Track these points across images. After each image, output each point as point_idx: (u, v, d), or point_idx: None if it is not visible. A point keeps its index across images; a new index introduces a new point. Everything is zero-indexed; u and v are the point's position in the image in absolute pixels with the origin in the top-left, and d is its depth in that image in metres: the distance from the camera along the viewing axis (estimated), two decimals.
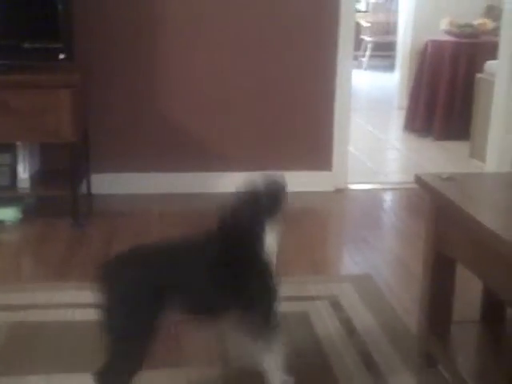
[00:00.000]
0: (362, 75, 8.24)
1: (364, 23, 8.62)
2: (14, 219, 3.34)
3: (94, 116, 3.63)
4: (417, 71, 5.63)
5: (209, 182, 3.77)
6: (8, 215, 3.34)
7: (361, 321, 2.42)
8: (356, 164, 4.41)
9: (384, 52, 8.54)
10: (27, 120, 3.13)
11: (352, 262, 3.07)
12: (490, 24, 5.39)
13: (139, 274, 1.75)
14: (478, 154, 4.45)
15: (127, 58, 3.69)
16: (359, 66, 8.42)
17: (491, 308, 2.17)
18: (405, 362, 2.16)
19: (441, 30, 5.48)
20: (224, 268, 1.80)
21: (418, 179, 2.03)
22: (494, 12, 5.69)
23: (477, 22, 5.46)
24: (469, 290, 2.31)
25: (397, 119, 5.94)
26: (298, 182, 3.35)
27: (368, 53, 8.68)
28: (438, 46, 5.41)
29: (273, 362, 1.89)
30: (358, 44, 7.94)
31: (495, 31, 4.94)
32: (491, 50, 4.49)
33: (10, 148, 3.36)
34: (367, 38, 8.67)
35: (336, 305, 2.53)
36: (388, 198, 4.06)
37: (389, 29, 8.52)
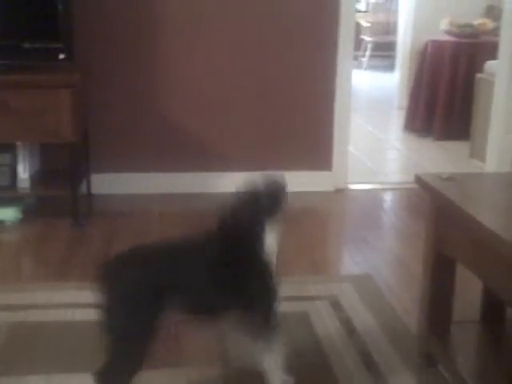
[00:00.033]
0: (362, 75, 8.24)
1: (364, 23, 8.62)
2: (14, 219, 3.34)
3: (94, 116, 3.63)
4: (417, 71, 5.63)
5: (209, 182, 3.77)
6: (8, 215, 3.34)
7: (361, 321, 2.42)
8: (356, 164, 4.41)
9: (384, 52, 8.54)
10: (27, 120, 3.13)
11: (352, 261, 3.07)
12: (489, 24, 5.39)
13: (139, 273, 1.75)
14: (478, 153, 4.45)
15: (127, 57, 3.69)
16: (359, 66, 8.42)
17: (491, 308, 2.17)
18: (405, 361, 2.16)
19: (441, 30, 5.48)
20: (224, 268, 1.80)
21: (418, 179, 2.03)
22: (493, 12, 5.69)
23: (477, 21, 5.47)
24: (469, 290, 2.31)
25: (397, 119, 5.94)
26: (297, 182, 3.35)
27: (368, 53, 8.68)
28: (438, 46, 5.41)
29: (273, 362, 1.89)
30: (358, 44, 7.95)
31: (495, 31, 4.94)
32: (491, 50, 4.49)
33: (10, 148, 3.36)
34: (367, 38, 8.67)
35: (336, 305, 2.53)
36: (388, 197, 4.06)
37: (389, 29, 8.52)
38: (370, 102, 6.90)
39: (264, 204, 1.84)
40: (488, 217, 1.75)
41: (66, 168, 3.29)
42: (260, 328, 1.86)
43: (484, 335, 2.19)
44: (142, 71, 3.72)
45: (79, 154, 3.38)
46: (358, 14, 7.99)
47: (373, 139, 5.47)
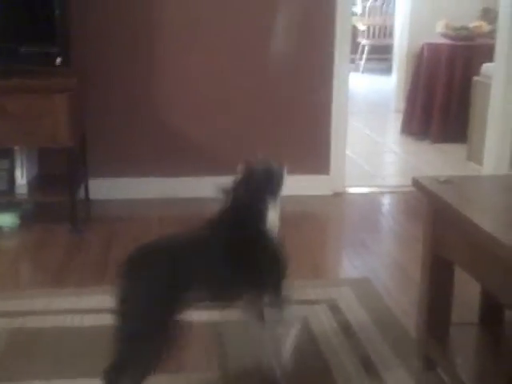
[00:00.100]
0: (359, 78, 8.24)
1: (360, 26, 8.64)
2: (12, 225, 3.34)
3: (92, 120, 3.62)
4: (413, 74, 5.63)
5: (207, 186, 3.74)
6: (6, 221, 3.33)
7: (359, 324, 2.42)
8: (354, 167, 4.41)
9: (381, 55, 8.55)
10: (24, 124, 3.13)
11: (350, 265, 3.07)
12: (485, 26, 5.40)
13: (154, 272, 1.75)
14: (475, 156, 4.45)
15: (125, 62, 3.69)
16: (356, 69, 8.43)
17: (490, 310, 2.17)
18: (404, 364, 2.16)
19: (437, 32, 5.49)
20: (235, 249, 1.85)
21: (416, 182, 2.04)
22: (489, 15, 5.70)
23: (473, 24, 5.47)
24: (467, 292, 2.31)
25: (394, 122, 5.94)
26: (295, 185, 3.32)
27: (365, 56, 8.69)
28: (434, 48, 5.42)
29: (285, 332, 1.94)
30: (355, 47, 7.95)
31: (491, 34, 4.95)
32: (487, 53, 4.50)
33: (7, 153, 3.36)
34: (364, 41, 8.69)
35: (335, 308, 2.53)
36: (386, 201, 4.06)
37: (385, 32, 8.54)
38: (367, 105, 6.90)
39: (264, 182, 1.92)
40: (485, 219, 1.76)
41: (63, 173, 3.29)
42: (273, 301, 1.91)
43: (483, 337, 2.19)
44: (140, 75, 3.72)
45: (77, 158, 3.38)
46: (355, 18, 8.00)
47: (370, 142, 5.47)
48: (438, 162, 4.80)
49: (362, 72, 8.66)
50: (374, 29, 8.67)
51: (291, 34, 3.76)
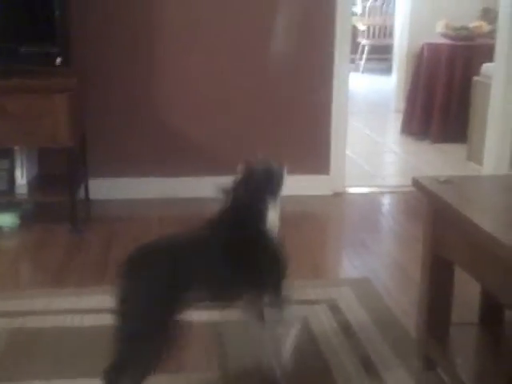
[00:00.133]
0: (359, 78, 8.24)
1: (360, 26, 8.64)
2: (12, 225, 3.34)
3: (92, 120, 3.63)
4: (413, 74, 5.63)
5: (207, 186, 3.75)
6: (6, 221, 3.33)
7: (359, 324, 2.42)
8: (354, 167, 4.41)
9: (381, 55, 8.55)
10: (24, 124, 3.13)
11: (350, 265, 3.07)
12: (485, 26, 5.40)
13: (154, 272, 1.75)
14: (475, 156, 4.45)
15: (125, 62, 3.69)
16: (356, 69, 8.43)
17: (490, 310, 2.17)
18: (404, 364, 2.16)
19: (437, 32, 5.49)
20: (235, 249, 1.85)
21: (416, 182, 2.04)
22: (489, 15, 5.70)
23: (473, 24, 5.47)
24: (467, 292, 2.31)
25: (394, 122, 5.94)
26: (295, 185, 3.32)
27: (365, 56, 8.69)
28: (434, 48, 5.42)
29: (285, 332, 1.94)
30: (355, 47, 7.95)
31: (491, 34, 4.95)
32: (487, 53, 4.50)
33: (7, 153, 3.36)
34: (364, 41, 8.69)
35: (335, 308, 2.53)
36: (386, 201, 4.06)
37: (385, 32, 8.54)
38: (367, 105, 6.90)
39: (264, 182, 1.92)
40: (485, 219, 1.76)
41: (63, 173, 3.29)
42: (273, 301, 1.91)
43: (483, 337, 2.19)
44: (140, 75, 3.72)
45: (77, 158, 3.38)
46: (355, 18, 8.00)
47: (370, 142, 5.47)
48: (438, 162, 4.80)
49: (362, 72, 8.66)
50: (374, 29, 8.67)
51: (291, 34, 3.76)
